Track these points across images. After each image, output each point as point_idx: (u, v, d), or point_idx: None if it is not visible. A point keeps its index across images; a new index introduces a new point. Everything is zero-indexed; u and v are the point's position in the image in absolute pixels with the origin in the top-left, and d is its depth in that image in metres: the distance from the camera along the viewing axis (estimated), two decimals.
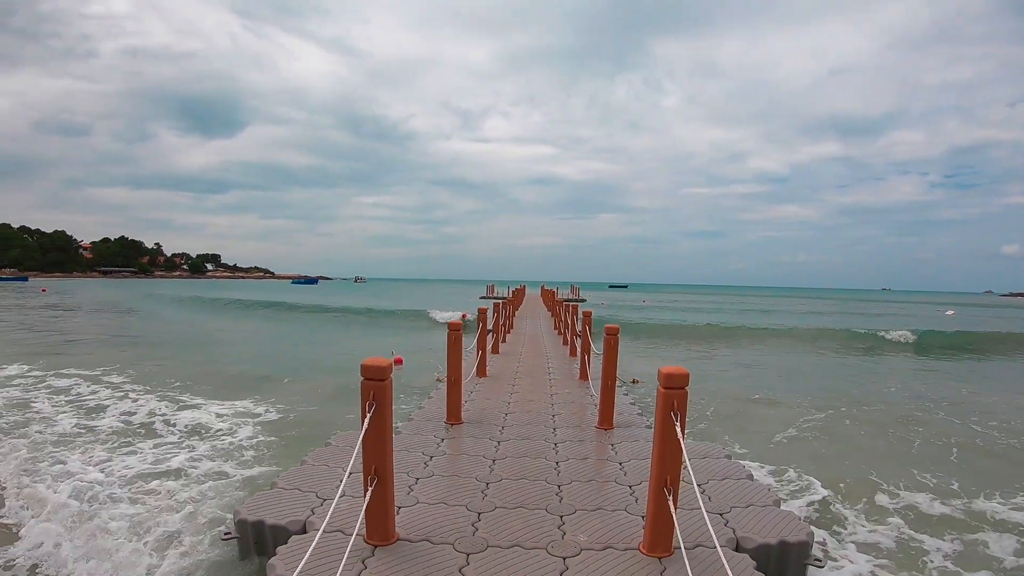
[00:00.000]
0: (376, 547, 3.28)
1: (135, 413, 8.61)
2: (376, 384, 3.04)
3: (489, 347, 10.76)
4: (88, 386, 10.61)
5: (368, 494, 3.12)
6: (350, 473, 3.25)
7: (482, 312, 9.61)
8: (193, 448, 6.95)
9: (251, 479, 5.98)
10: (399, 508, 3.79)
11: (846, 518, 5.34)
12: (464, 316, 26.79)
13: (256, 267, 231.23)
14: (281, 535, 3.58)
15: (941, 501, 5.83)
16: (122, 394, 9.93)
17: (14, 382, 10.92)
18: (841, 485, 6.15)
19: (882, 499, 5.84)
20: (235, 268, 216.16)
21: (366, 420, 3.03)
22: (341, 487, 3.22)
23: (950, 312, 55.17)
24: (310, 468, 4.66)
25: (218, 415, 8.60)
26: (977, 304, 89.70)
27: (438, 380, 9.74)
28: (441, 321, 28.04)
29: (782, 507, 4.06)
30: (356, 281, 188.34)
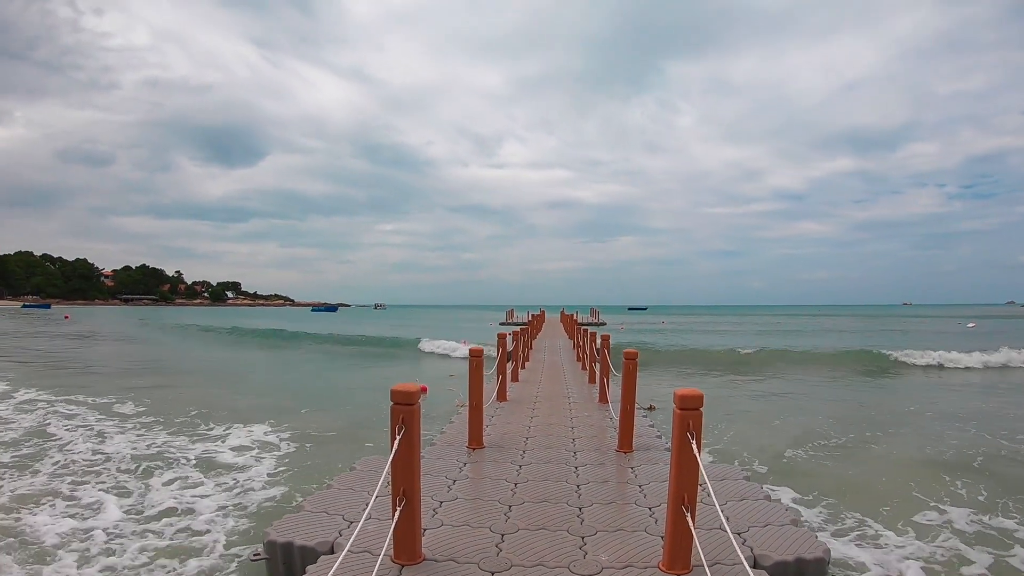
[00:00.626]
0: (403, 566, 3.39)
1: (150, 444, 8.61)
2: (405, 408, 3.19)
3: (509, 373, 10.87)
4: (103, 416, 10.72)
5: (396, 514, 3.25)
6: (377, 496, 3.38)
7: (502, 338, 9.76)
8: (211, 479, 6.98)
9: (270, 499, 6.13)
10: (424, 530, 3.90)
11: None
12: (464, 342, 25.88)
13: (276, 295, 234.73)
14: (310, 556, 3.71)
15: None
16: (136, 425, 10.01)
17: (31, 410, 11.18)
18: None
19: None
20: (255, 296, 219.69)
21: (395, 443, 3.17)
22: (368, 509, 3.35)
23: (971, 325, 54.15)
24: (336, 491, 4.80)
25: (236, 447, 8.57)
26: (1000, 316, 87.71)
27: (459, 406, 9.85)
28: (427, 351, 27.19)
29: (800, 526, 4.12)
30: (376, 308, 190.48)
